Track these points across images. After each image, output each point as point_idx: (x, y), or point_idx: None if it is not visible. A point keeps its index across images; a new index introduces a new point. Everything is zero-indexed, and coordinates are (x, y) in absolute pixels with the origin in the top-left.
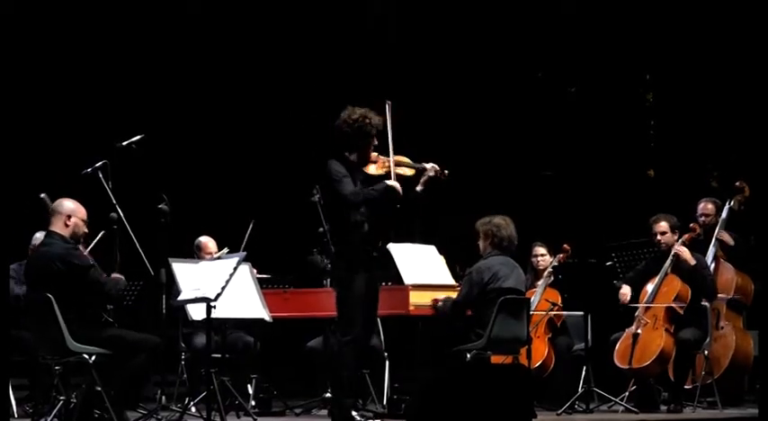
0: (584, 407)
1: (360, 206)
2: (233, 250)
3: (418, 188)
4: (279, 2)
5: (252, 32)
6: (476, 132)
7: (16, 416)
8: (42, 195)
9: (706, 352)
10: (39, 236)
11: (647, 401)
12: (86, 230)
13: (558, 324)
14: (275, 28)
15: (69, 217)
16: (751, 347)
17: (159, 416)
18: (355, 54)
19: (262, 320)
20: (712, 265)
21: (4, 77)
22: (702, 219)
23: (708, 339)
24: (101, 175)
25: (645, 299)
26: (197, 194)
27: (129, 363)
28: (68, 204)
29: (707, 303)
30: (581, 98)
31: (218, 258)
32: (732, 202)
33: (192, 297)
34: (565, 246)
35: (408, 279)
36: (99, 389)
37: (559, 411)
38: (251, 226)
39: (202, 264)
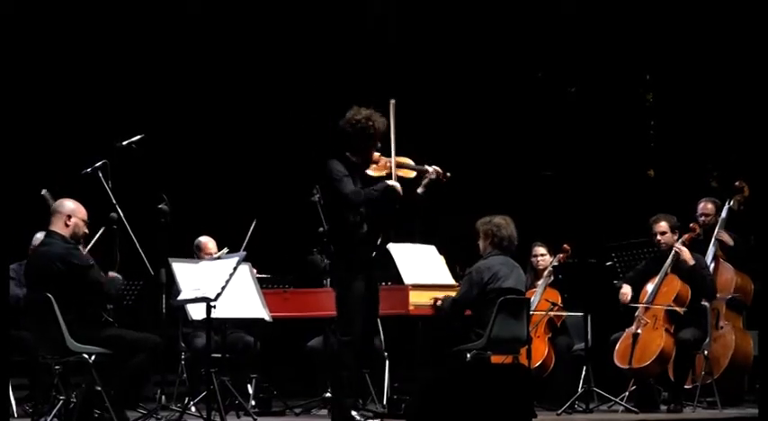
0: (584, 407)
1: (360, 205)
2: (233, 250)
3: (419, 190)
4: (279, 2)
5: (252, 32)
6: (476, 132)
7: (16, 415)
8: (43, 191)
9: (706, 352)
10: (39, 236)
11: (647, 401)
12: (86, 230)
13: (558, 324)
14: (275, 28)
15: (70, 217)
16: (751, 347)
17: (159, 416)
18: (355, 54)
19: (262, 320)
20: (712, 265)
21: (5, 77)
22: (702, 218)
23: (707, 339)
24: (101, 175)
25: (645, 299)
26: (197, 194)
27: (128, 363)
28: (69, 204)
29: (706, 303)
30: (581, 98)
31: (218, 258)
32: (732, 202)
33: (192, 297)
34: (565, 246)
35: (408, 279)
36: (99, 388)
37: (559, 411)
38: (253, 225)
39: (202, 263)
